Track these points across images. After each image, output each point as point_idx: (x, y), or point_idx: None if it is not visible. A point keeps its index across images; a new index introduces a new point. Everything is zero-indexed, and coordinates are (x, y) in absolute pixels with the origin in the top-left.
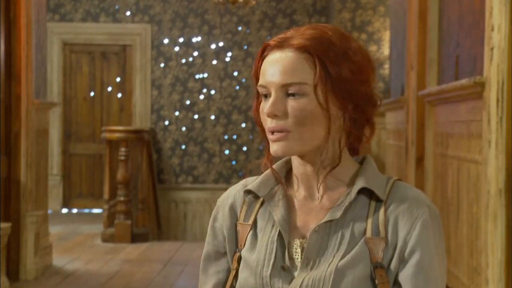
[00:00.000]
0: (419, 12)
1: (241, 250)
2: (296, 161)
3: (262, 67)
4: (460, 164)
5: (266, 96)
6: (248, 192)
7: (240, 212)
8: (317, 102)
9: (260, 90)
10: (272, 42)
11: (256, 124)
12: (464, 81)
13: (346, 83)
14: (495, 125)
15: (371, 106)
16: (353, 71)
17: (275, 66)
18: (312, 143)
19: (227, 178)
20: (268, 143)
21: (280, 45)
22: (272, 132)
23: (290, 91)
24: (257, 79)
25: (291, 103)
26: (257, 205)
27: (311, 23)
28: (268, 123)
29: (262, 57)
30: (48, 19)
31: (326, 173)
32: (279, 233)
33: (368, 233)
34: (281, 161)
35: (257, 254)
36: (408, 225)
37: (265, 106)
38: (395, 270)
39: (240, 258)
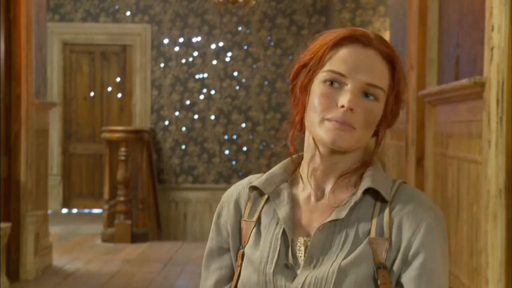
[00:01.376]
0: (419, 12)
1: (244, 246)
2: (320, 156)
3: (338, 54)
4: (460, 164)
5: (332, 83)
6: (253, 188)
7: (245, 208)
8: (383, 110)
9: (331, 75)
10: (355, 34)
11: (293, 102)
12: (464, 81)
13: (399, 101)
14: (495, 125)
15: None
16: (403, 93)
17: (362, 62)
18: (362, 145)
19: (227, 178)
20: (293, 131)
21: (365, 42)
22: (336, 121)
23: (368, 91)
24: (309, 60)
25: (367, 104)
26: (262, 202)
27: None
28: (337, 113)
29: (336, 44)
30: (48, 19)
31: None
32: (283, 231)
33: (373, 234)
34: (288, 158)
35: (260, 251)
36: (412, 227)
37: (337, 95)
38: (397, 271)
39: (244, 254)
